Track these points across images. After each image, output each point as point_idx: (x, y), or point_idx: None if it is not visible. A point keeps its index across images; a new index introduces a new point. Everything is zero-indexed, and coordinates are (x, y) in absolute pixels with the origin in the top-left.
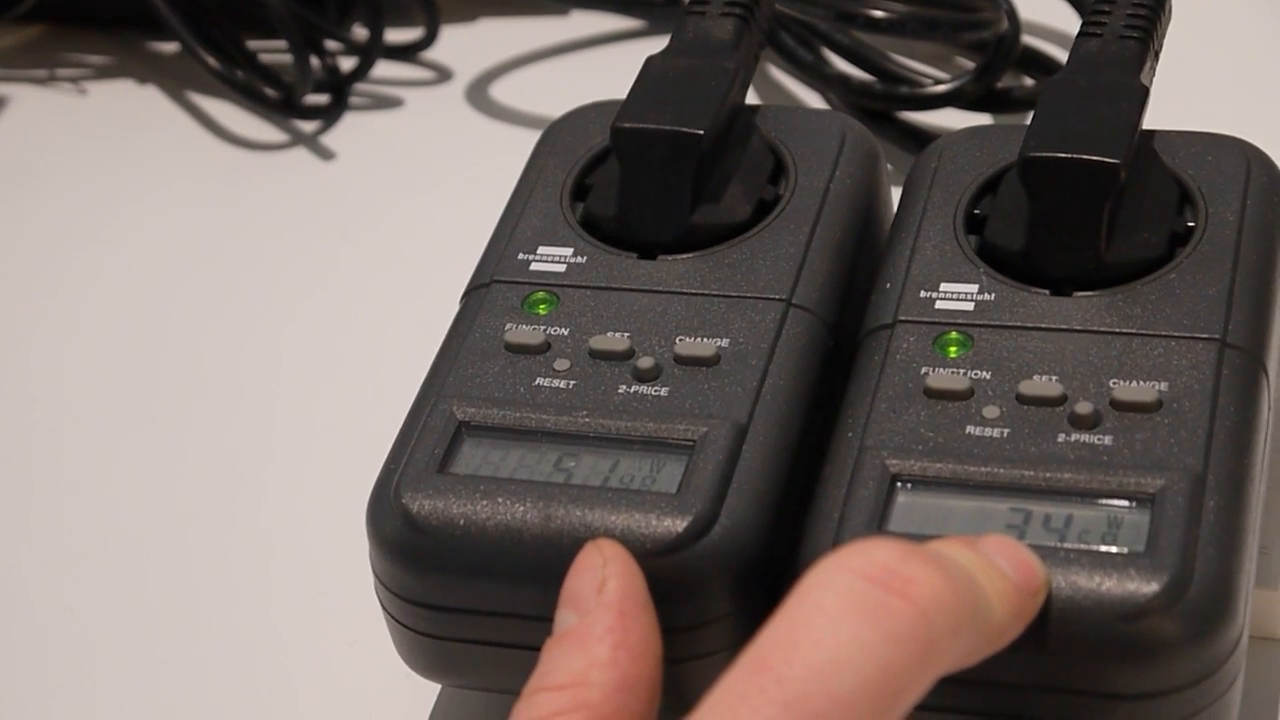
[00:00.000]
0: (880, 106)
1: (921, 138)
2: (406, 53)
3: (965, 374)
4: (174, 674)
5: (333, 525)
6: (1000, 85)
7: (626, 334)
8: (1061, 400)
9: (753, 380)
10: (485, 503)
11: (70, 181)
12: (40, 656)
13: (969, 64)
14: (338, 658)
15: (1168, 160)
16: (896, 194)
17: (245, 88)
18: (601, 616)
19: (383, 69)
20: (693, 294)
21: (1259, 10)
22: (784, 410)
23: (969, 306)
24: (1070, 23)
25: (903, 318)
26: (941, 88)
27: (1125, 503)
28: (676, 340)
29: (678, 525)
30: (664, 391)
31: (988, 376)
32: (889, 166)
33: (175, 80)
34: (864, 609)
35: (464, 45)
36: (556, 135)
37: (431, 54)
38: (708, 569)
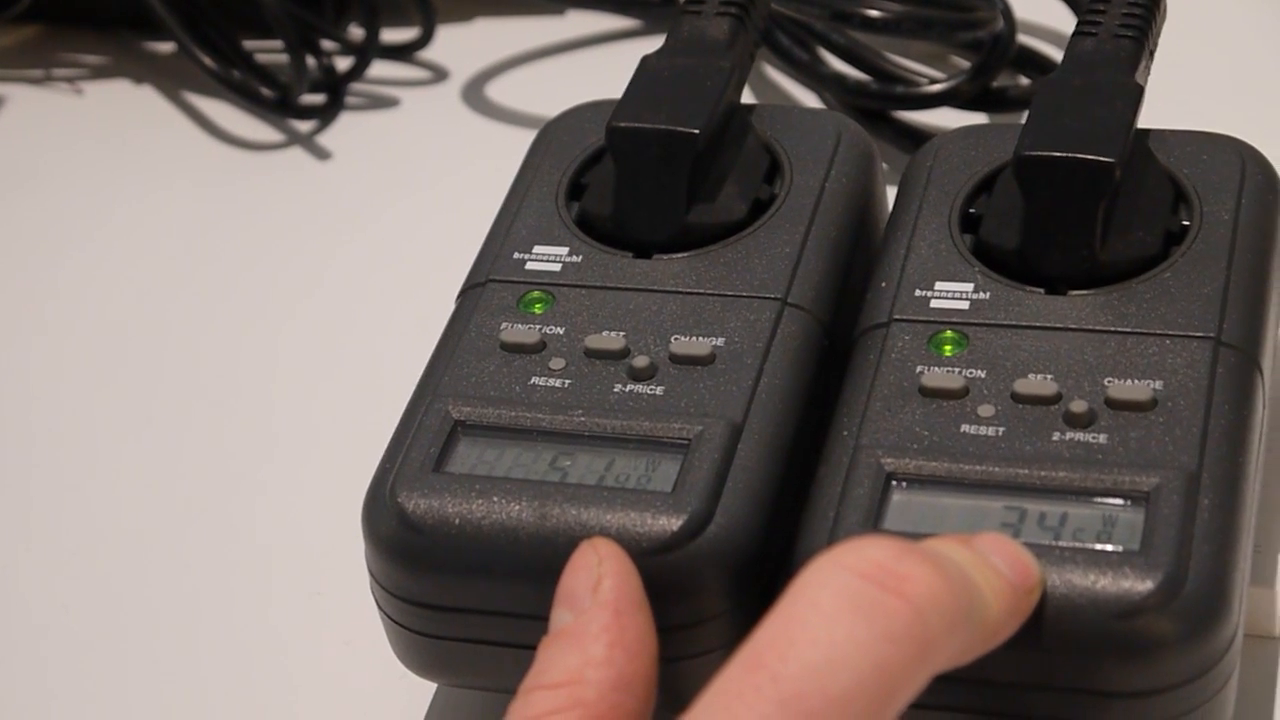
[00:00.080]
0: (876, 106)
1: (917, 137)
2: (402, 52)
3: (960, 373)
4: (171, 673)
5: (330, 525)
6: (995, 84)
7: (622, 333)
8: (1056, 399)
9: (748, 379)
10: (481, 502)
11: (66, 181)
12: (37, 655)
13: (964, 63)
14: (334, 657)
15: (1163, 159)
16: (892, 193)
17: (241, 88)
18: (597, 615)
19: (379, 69)
20: (688, 293)
21: (1255, 9)
22: (779, 409)
23: (964, 305)
24: (1065, 22)
25: (898, 317)
26: (937, 87)
27: (1120, 501)
28: (672, 339)
29: (673, 524)
30: (659, 390)
31: (983, 375)
32: (884, 166)
33: (171, 80)
34: (859, 607)
35: (460, 45)
36: (552, 135)
37: (427, 54)
38: (703, 568)
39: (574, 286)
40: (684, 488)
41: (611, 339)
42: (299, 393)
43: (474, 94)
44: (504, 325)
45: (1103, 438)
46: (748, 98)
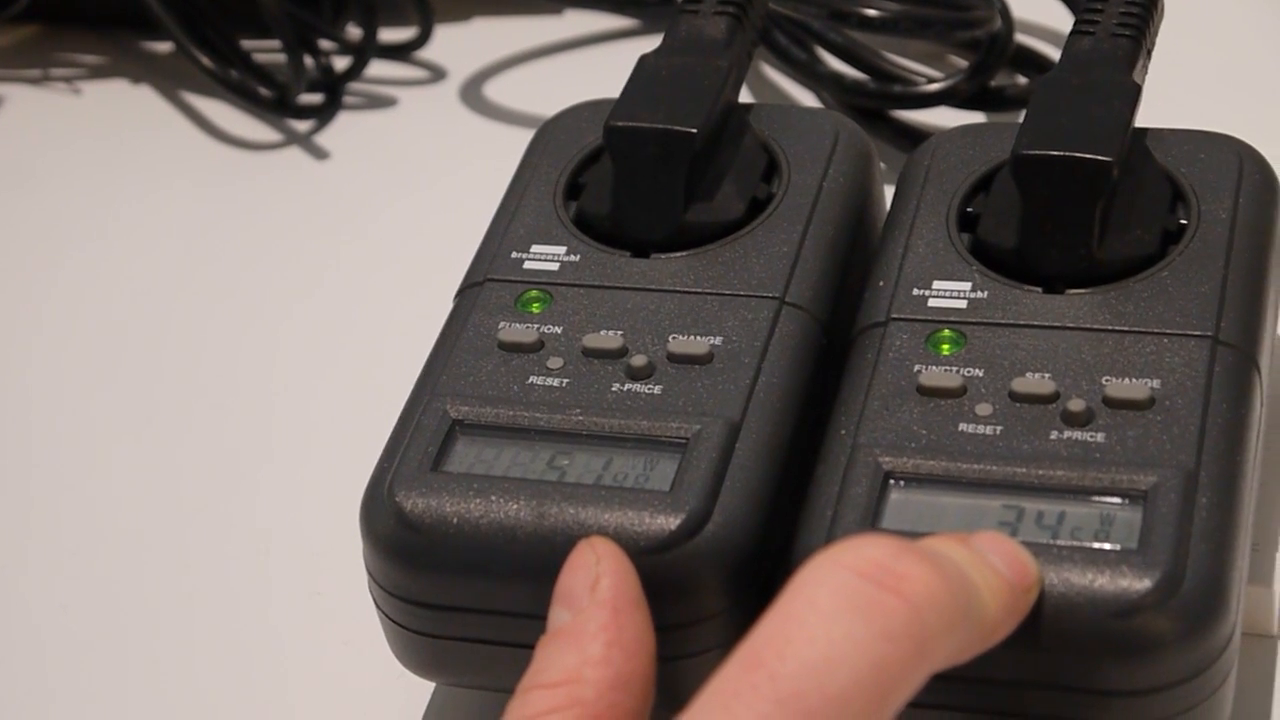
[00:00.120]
0: (873, 105)
1: (915, 136)
2: (400, 52)
3: (958, 371)
4: (169, 673)
5: (329, 524)
6: (993, 84)
7: (620, 332)
8: (1054, 398)
9: (746, 378)
10: (479, 501)
11: (64, 181)
12: (36, 655)
13: (962, 62)
14: (333, 656)
15: (1160, 158)
16: (890, 192)
17: (239, 87)
18: (595, 614)
19: (376, 68)
20: (686, 292)
21: (1252, 8)
22: (777, 408)
23: (962, 304)
24: (1063, 21)
25: (896, 315)
26: (935, 86)
27: (1118, 500)
28: (670, 338)
29: (671, 523)
30: (657, 389)
31: (980, 374)
32: (882, 165)
33: (169, 80)
34: (857, 605)
35: (458, 44)
36: (550, 134)
37: (425, 53)
38: (701, 567)
39: (572, 286)
40: (682, 487)
41: (609, 338)
42: (297, 392)
43: (472, 93)
44: (502, 324)
45: (1100, 436)
46: (745, 97)
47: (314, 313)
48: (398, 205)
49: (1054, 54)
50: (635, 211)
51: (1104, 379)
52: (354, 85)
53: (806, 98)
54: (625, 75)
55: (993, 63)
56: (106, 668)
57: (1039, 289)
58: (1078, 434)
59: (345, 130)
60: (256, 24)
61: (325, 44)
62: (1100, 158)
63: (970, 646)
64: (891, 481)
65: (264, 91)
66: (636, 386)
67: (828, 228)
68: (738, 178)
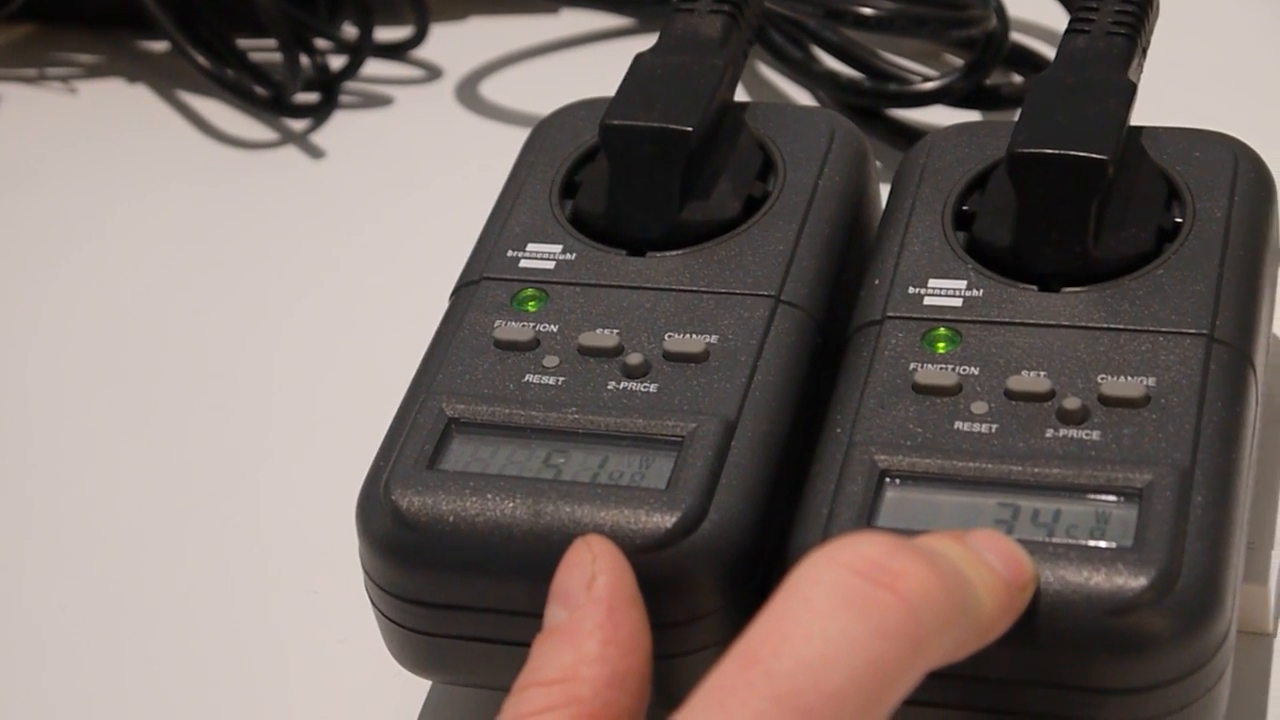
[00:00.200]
0: (869, 103)
1: (910, 134)
2: (396, 51)
3: (954, 370)
4: (166, 671)
5: (325, 523)
6: (988, 82)
7: (616, 331)
8: (1049, 396)
9: (742, 376)
10: (475, 499)
11: (60, 180)
12: (34, 654)
13: (957, 61)
14: (329, 655)
15: (1155, 156)
16: (885, 191)
17: (235, 86)
18: (591, 612)
19: (372, 67)
20: (682, 291)
21: (1249, 6)
22: (773, 406)
23: (957, 302)
24: (1058, 20)
25: (891, 314)
26: (930, 85)
27: (1113, 497)
28: (666, 337)
29: (667, 521)
30: (653, 388)
31: (976, 372)
32: (877, 163)
33: (165, 79)
34: (853, 603)
35: (454, 43)
36: (546, 132)
37: (421, 52)
38: (697, 564)
39: (568, 284)
40: (678, 485)
41: (605, 336)
42: (293, 391)
43: (468, 92)
44: (498, 323)
45: (1096, 434)
46: (741, 95)
47: (310, 311)
48: (394, 204)
49: (1049, 53)
50: (631, 210)
51: (1099, 377)
52: (350, 84)
53: (802, 96)
54: (621, 74)
55: (988, 61)
56: (103, 667)
57: (1034, 287)
58: (1073, 432)
59: (341, 129)
60: (252, 23)
61: (321, 43)
62: (1095, 156)
63: (966, 644)
64: (887, 480)
65: (260, 90)
66: (632, 385)
67: (823, 226)
68: (733, 176)
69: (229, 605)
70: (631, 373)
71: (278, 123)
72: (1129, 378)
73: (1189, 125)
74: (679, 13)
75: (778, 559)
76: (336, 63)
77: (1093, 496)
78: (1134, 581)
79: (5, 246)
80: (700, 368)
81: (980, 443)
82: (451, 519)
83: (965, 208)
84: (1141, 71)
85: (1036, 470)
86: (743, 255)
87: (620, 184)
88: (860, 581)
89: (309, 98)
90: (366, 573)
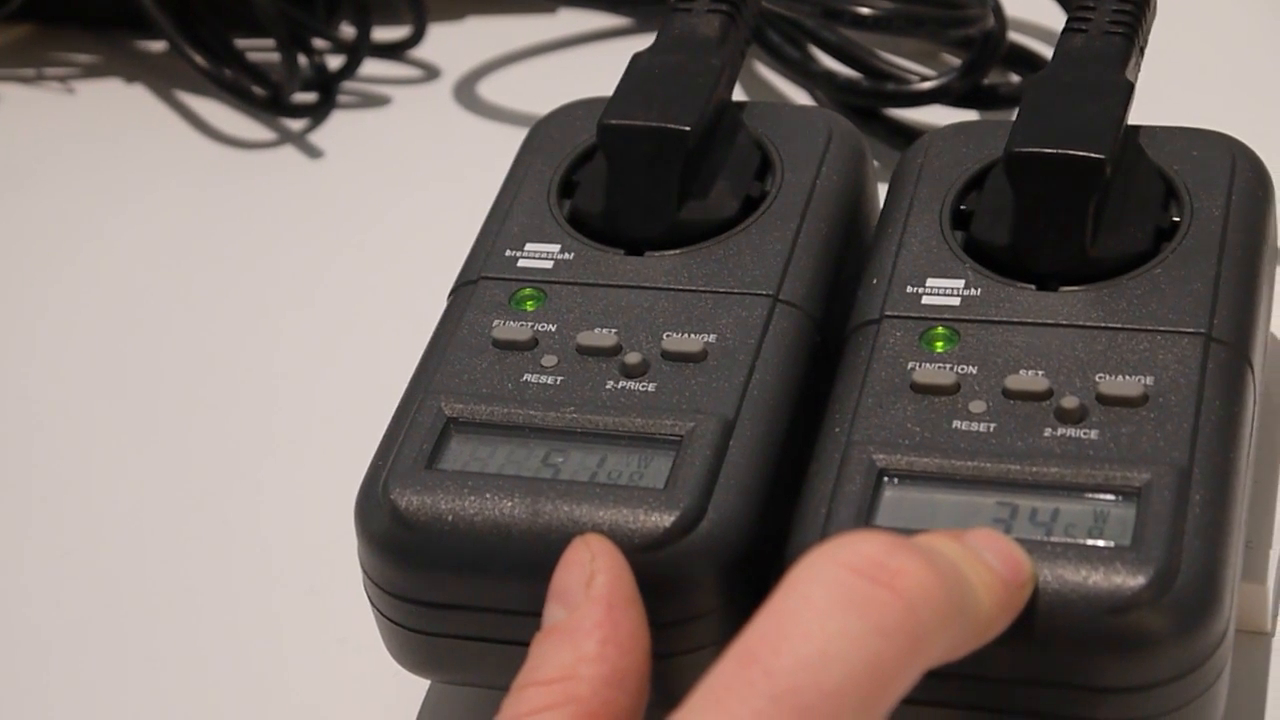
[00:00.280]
0: (867, 103)
1: (908, 134)
2: (394, 51)
3: (952, 369)
4: (165, 670)
5: (324, 522)
6: (986, 82)
7: (614, 330)
8: (1047, 395)
9: (740, 376)
10: (473, 498)
11: (58, 180)
12: (32, 653)
13: (955, 61)
14: (328, 654)
15: (1153, 155)
16: (883, 190)
17: (233, 86)
18: (590, 611)
19: (370, 67)
20: (680, 290)
21: (1246, 5)
22: (771, 405)
23: (955, 302)
24: (1055, 19)
25: (889, 313)
26: (928, 84)
27: (1111, 497)
28: (664, 336)
29: (665, 520)
30: (651, 387)
31: (974, 371)
32: (875, 163)
33: (163, 79)
34: (851, 602)
35: (451, 43)
36: (543, 132)
37: (419, 52)
38: (695, 564)
39: (566, 284)
40: (676, 484)
41: (603, 336)
42: (292, 390)
43: (465, 92)
44: (496, 322)
45: (1094, 433)
46: (739, 95)
47: (308, 311)
48: (392, 204)
49: (1047, 52)
50: (629, 209)
51: (1097, 376)
52: (348, 84)
53: (800, 96)
54: (618, 74)
55: (986, 61)
56: (103, 666)
57: (1032, 286)
58: (1071, 431)
59: (339, 129)
60: (250, 23)
61: (319, 43)
62: (1093, 155)
63: (964, 643)
64: (885, 479)
65: (258, 90)
66: (631, 384)
67: (821, 225)
68: (731, 176)
69: (228, 604)
70: (630, 372)
71: (276, 122)
72: (1127, 377)
73: (1186, 124)
74: (676, 12)
75: (776, 558)
76: (334, 62)
77: (1091, 495)
78: (1132, 580)
79: (4, 246)
80: (699, 367)
81: (978, 442)
82: (450, 518)
83: (963, 207)
84: (1139, 71)
85: (1035, 469)
86: (741, 255)
87: (618, 183)
88: (859, 580)
89: (307, 97)
90: (365, 572)
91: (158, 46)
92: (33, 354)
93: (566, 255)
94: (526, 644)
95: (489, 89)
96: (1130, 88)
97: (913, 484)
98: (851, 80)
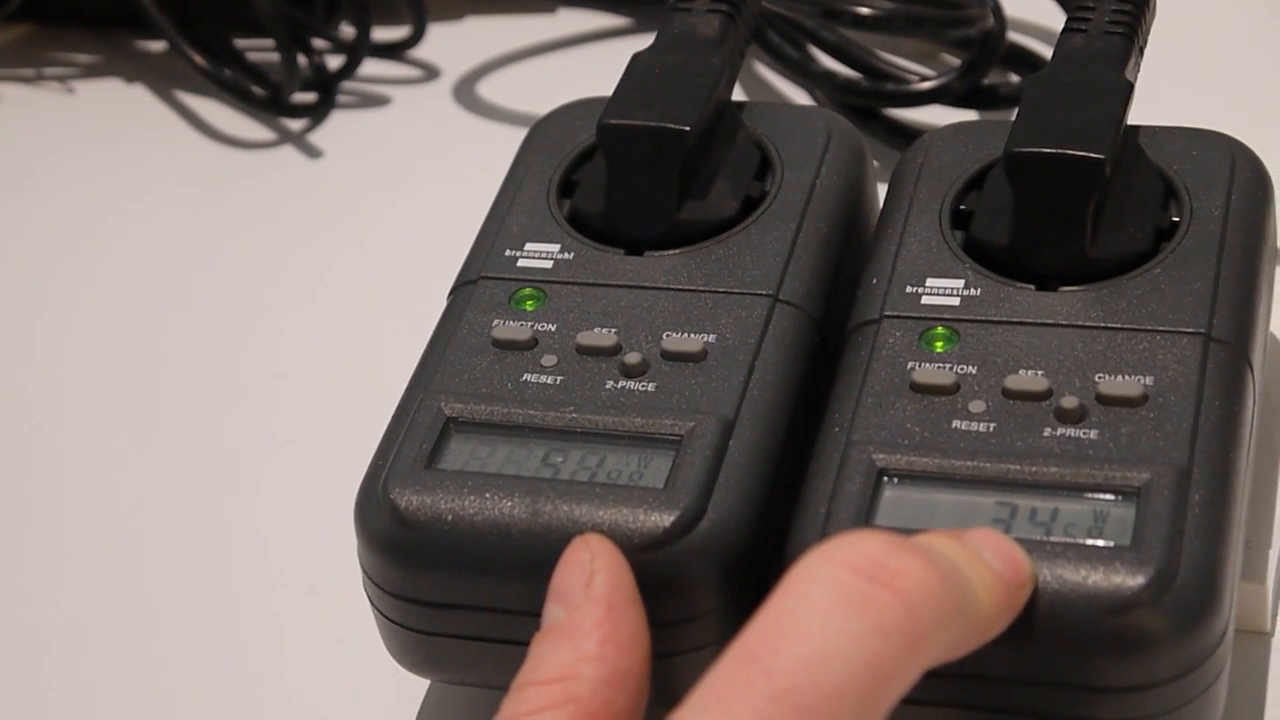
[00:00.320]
0: (866, 103)
1: (907, 134)
2: (393, 51)
3: (951, 369)
4: (164, 670)
5: (323, 522)
6: (986, 82)
7: (614, 330)
8: (1047, 395)
9: (739, 375)
10: (473, 498)
11: (58, 180)
12: (31, 652)
13: (955, 61)
14: (327, 654)
15: (1152, 155)
16: (883, 190)
17: (233, 86)
18: (589, 611)
19: (370, 67)
20: (679, 290)
21: (1245, 5)
22: (771, 405)
23: (955, 302)
24: (1055, 19)
25: (889, 313)
26: (927, 84)
27: (1111, 496)
28: (663, 336)
29: (665, 520)
30: (651, 387)
31: (974, 371)
32: (875, 163)
33: (163, 79)
34: (851, 601)
35: (451, 43)
36: (543, 132)
37: (419, 52)
38: (695, 563)
39: (565, 283)
40: (676, 484)
41: (603, 336)
42: (291, 390)
43: (465, 92)
44: (496, 322)
45: (1093, 433)
46: (738, 95)
47: (308, 311)
48: (391, 204)
49: (1046, 52)
50: (629, 209)
51: (1097, 376)
52: (347, 84)
53: (799, 96)
54: (618, 73)
55: (985, 61)
56: (102, 665)
57: (1032, 286)
58: (1071, 431)
59: (338, 129)
60: (250, 23)
61: (319, 43)
62: (1092, 155)
63: (964, 642)
64: (885, 478)
65: (257, 90)
66: (630, 384)
67: (821, 225)
68: (731, 176)
69: (228, 604)
70: (629, 372)
71: (275, 122)
72: (1126, 377)
73: (1186, 124)
74: (676, 12)
75: (776, 558)
76: (334, 62)
77: (1090, 495)
78: (1132, 580)
79: (3, 246)
80: (698, 367)
81: (978, 441)
82: (450, 518)
83: (963, 207)
84: (1138, 71)
85: (1034, 469)
86: (740, 254)
87: (618, 183)
88: (858, 580)
89: (306, 97)
90: (365, 572)
91: (157, 46)
92: (32, 354)
93: (566, 255)
94: (526, 644)
95: (488, 89)
96: (1130, 88)
97: (912, 484)
98: (851, 80)
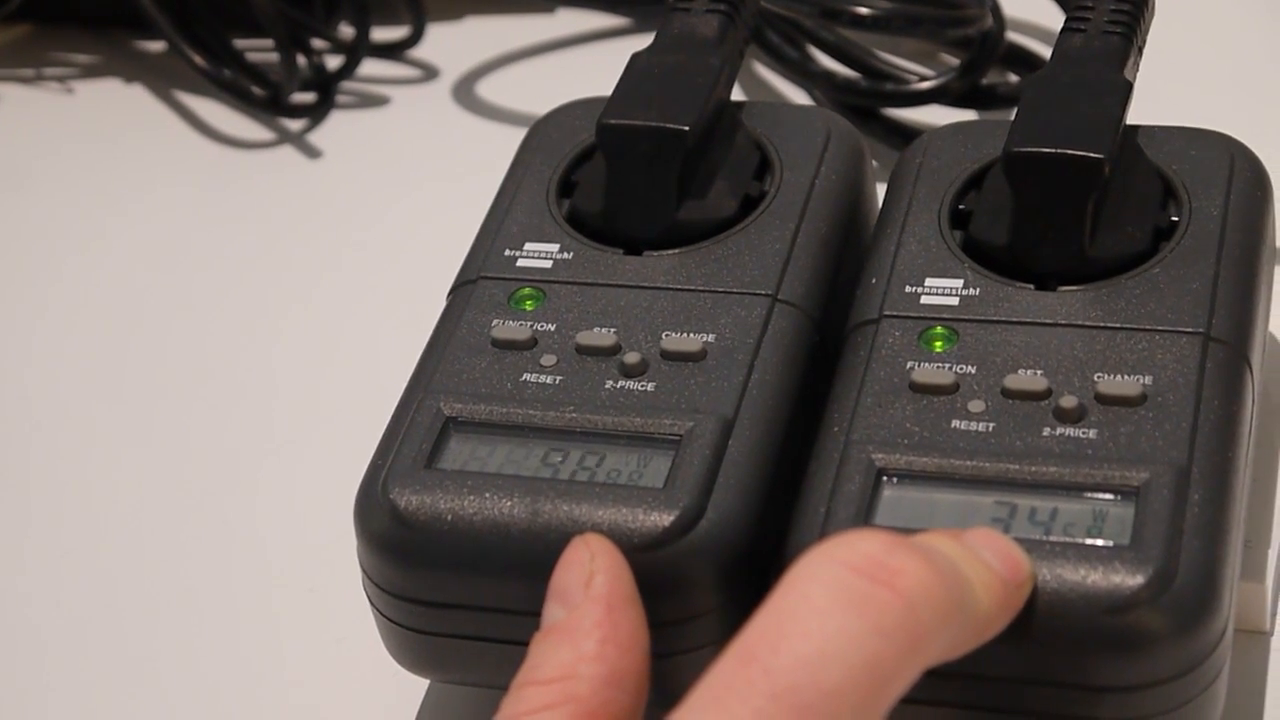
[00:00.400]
0: (865, 103)
1: (906, 134)
2: (393, 51)
3: (950, 368)
4: (164, 669)
5: (323, 522)
6: (985, 81)
7: (613, 330)
8: (1046, 394)
9: (739, 375)
10: (473, 498)
11: (57, 181)
12: (31, 652)
13: (954, 60)
14: (327, 654)
15: (1151, 155)
16: (882, 190)
17: (232, 86)
18: (589, 611)
19: (369, 67)
20: (679, 290)
21: (1244, 4)
22: (770, 405)
23: (954, 301)
24: (1054, 19)
25: (888, 313)
26: (926, 84)
27: (1110, 496)
28: (663, 336)
29: (664, 519)
30: (650, 387)
31: (973, 371)
32: (874, 163)
33: (162, 79)
34: (851, 600)
35: (450, 43)
36: (542, 132)
37: (418, 52)
38: (694, 563)
39: (565, 283)
40: (675, 483)
41: (602, 335)
42: (291, 390)
43: (464, 92)
44: (495, 322)
45: (1093, 433)
46: (737, 95)
47: (307, 311)
48: (391, 204)
49: (1045, 52)
50: (628, 209)
51: (1096, 375)
52: (346, 84)
53: (798, 96)
54: (617, 73)
55: (984, 61)
56: (102, 665)
57: (1031, 286)
58: (1070, 430)
59: (338, 129)
60: (249, 23)
61: (318, 43)
62: (1091, 155)
63: (963, 642)
64: (884, 478)
65: (257, 90)
66: (630, 384)
67: (820, 225)
68: (730, 175)
69: (227, 604)
70: (629, 371)
71: (274, 123)
72: (1126, 376)
73: (1185, 124)
74: (675, 12)
75: (775, 557)
76: (333, 63)
77: (1090, 495)
78: (1131, 580)
79: (3, 246)
80: (698, 366)
81: (977, 441)
82: (449, 518)
83: (962, 207)
84: (1137, 70)
85: (1033, 469)
86: (740, 254)
87: (617, 183)
88: (858, 579)
89: (306, 98)
90: (364, 572)
91: (157, 46)
92: (32, 354)
93: (565, 255)
94: (526, 643)
95: (488, 89)
96: (1129, 87)
97: (912, 483)
98: (850, 80)
